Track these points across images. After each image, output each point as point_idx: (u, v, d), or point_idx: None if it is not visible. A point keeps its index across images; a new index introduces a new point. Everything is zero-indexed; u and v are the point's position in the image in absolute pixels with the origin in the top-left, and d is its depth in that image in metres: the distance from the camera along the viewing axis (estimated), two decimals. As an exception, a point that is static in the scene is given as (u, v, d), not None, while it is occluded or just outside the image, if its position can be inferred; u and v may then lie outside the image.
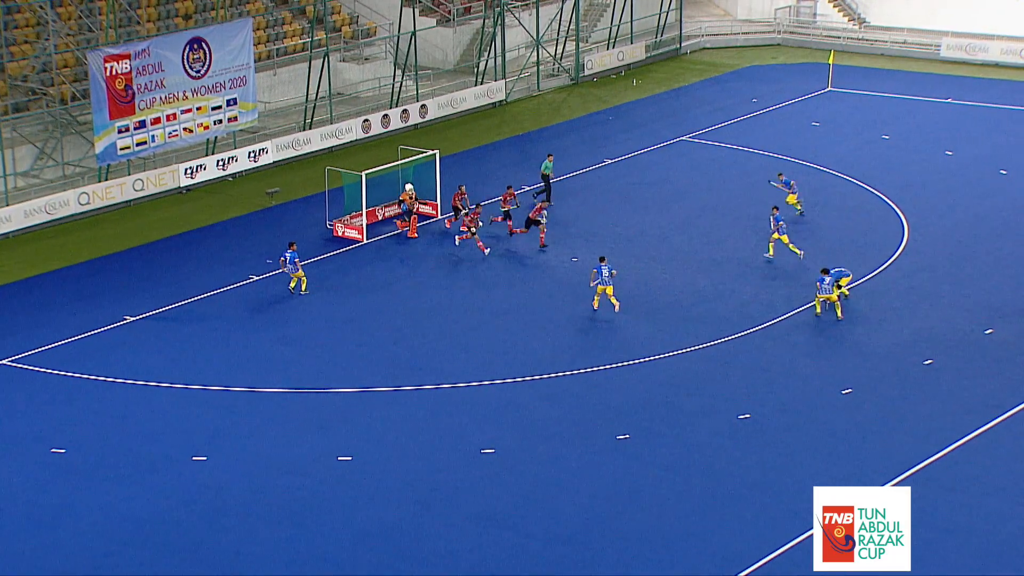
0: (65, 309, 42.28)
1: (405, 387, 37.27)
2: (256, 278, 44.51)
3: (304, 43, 61.36)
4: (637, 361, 38.70)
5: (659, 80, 68.69)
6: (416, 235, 47.73)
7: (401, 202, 48.34)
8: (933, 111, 62.53)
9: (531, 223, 46.57)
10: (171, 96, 51.29)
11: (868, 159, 55.94)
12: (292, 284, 43.46)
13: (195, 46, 51.78)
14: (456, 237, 45.32)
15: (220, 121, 53.26)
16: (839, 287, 41.60)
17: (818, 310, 41.10)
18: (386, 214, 49.40)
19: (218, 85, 52.78)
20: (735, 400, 36.40)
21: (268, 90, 59.65)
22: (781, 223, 45.04)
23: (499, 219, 47.40)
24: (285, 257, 43.42)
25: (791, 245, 44.98)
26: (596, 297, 41.74)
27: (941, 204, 50.72)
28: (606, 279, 41.71)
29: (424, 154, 50.17)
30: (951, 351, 39.09)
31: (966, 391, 36.90)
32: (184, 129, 52.08)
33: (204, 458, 33.62)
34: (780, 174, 49.77)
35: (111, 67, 49.22)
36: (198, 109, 52.30)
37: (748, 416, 35.54)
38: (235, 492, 32.25)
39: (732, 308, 42.05)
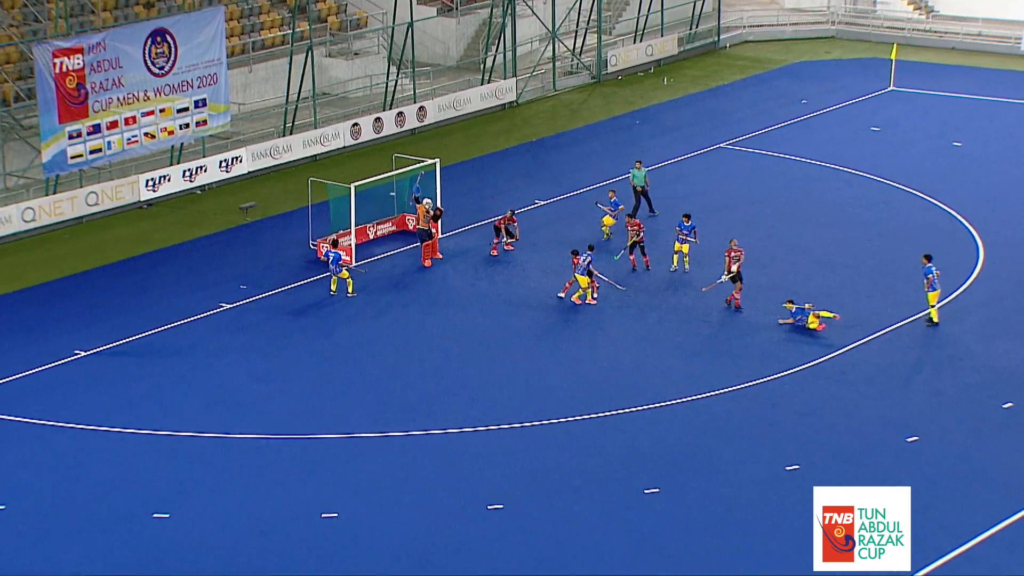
0: (6, 342, 42.32)
1: (398, 432, 37.24)
2: (228, 306, 44.56)
3: (284, 36, 61.54)
4: (668, 402, 38.65)
5: (694, 78, 68.76)
6: (437, 257, 47.59)
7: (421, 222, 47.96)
8: (1012, 114, 62.56)
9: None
10: (130, 96, 51.42)
11: (937, 169, 55.91)
12: (334, 287, 44.71)
13: (158, 39, 51.95)
14: (570, 296, 44.89)
15: (187, 125, 53.39)
16: (931, 307, 42.21)
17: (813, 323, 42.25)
18: (378, 232, 49.50)
19: (185, 84, 52.92)
20: (781, 448, 36.31)
21: (242, 90, 59.82)
22: (685, 231, 46.14)
23: (632, 257, 46.95)
24: (328, 257, 44.47)
25: (682, 256, 46.17)
26: (568, 286, 43.92)
27: (1021, 222, 50.67)
28: (581, 268, 43.67)
29: (423, 163, 50.24)
30: (1034, 392, 39.11)
31: (1051, 438, 36.88)
32: (145, 135, 52.20)
33: (167, 515, 33.58)
34: (612, 192, 49.66)
35: (61, 63, 49.35)
36: (162, 111, 52.45)
37: (797, 467, 35.44)
38: (203, 554, 32.19)
39: (778, 341, 42.02)
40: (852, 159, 56.90)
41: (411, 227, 49.26)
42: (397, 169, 50.38)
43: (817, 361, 40.80)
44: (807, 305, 42.47)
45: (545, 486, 34.79)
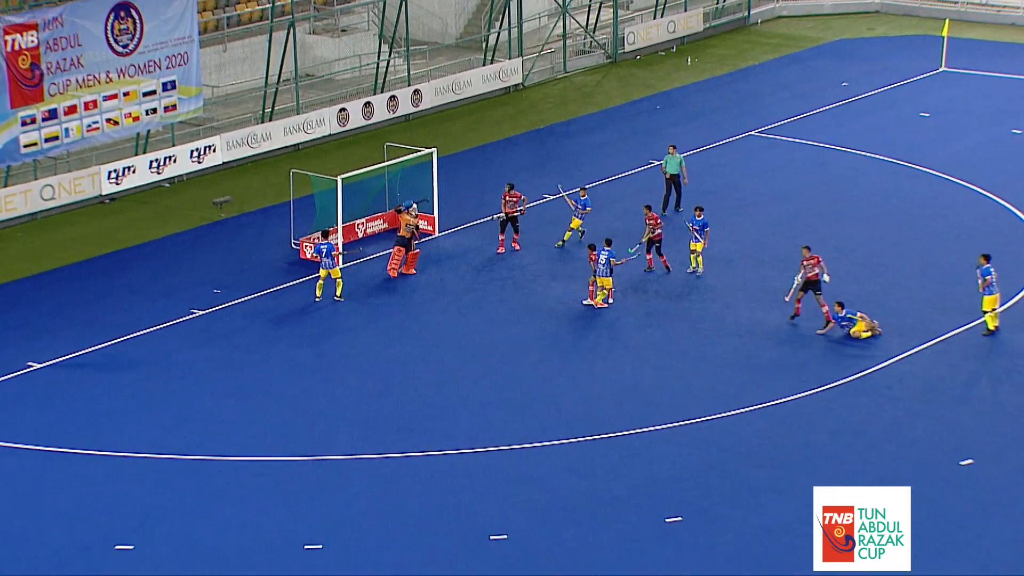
0: (-48, 353, 42.39)
1: (391, 454, 37.19)
2: (200, 313, 44.53)
3: (263, 10, 61.52)
4: (692, 421, 38.59)
5: (721, 58, 68.79)
6: (404, 271, 47.18)
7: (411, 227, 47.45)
8: (1078, 98, 62.70)
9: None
10: (91, 78, 51.45)
11: (993, 160, 55.91)
12: (319, 292, 44.80)
13: (122, 14, 51.98)
14: (583, 301, 44.79)
15: (154, 110, 53.42)
16: (987, 313, 41.95)
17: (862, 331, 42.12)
18: (368, 230, 49.44)
19: (152, 64, 52.94)
20: (819, 472, 36.20)
21: (216, 71, 59.82)
22: (697, 228, 46.16)
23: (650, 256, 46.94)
24: (321, 251, 44.45)
25: (698, 257, 46.28)
26: (592, 292, 43.94)
27: (1088, 218, 50.75)
28: (602, 268, 43.59)
29: (417, 153, 50.23)
30: (1101, 409, 39.02)
31: (1121, 461, 36.79)
32: (108, 121, 52.25)
33: (130, 547, 33.52)
34: (583, 190, 49.39)
35: (13, 40, 49.40)
36: (126, 95, 52.48)
37: (837, 493, 35.37)
38: (170, 591, 32.20)
39: (815, 353, 41.98)
40: (898, 148, 56.87)
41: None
42: (389, 160, 50.35)
43: (859, 375, 40.71)
44: (859, 314, 42.25)
45: (554, 514, 34.73)
